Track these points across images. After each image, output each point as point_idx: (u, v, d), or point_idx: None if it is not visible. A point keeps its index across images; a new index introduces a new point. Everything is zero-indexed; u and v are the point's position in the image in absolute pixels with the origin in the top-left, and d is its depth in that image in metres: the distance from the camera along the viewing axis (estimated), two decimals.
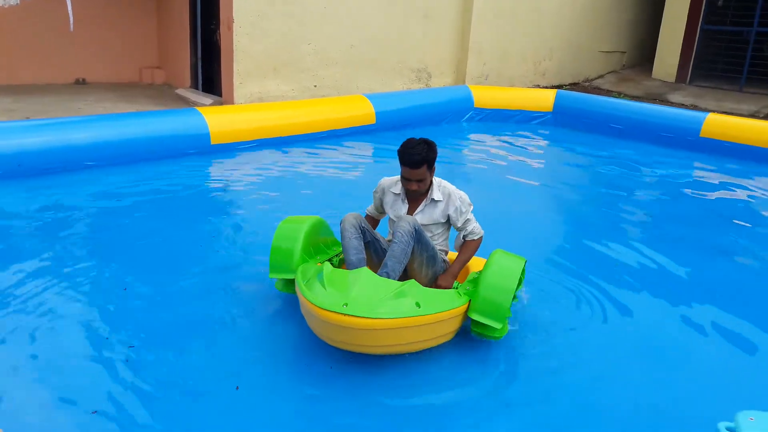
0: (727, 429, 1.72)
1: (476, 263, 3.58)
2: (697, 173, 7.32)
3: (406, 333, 2.76)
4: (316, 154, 6.85)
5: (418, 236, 3.17)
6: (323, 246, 3.48)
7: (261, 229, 4.40)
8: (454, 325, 3.02)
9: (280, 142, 7.00)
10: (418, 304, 2.77)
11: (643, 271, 4.23)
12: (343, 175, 6.19)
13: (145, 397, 2.60)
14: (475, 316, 2.98)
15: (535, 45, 12.50)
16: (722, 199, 6.24)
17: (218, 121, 6.51)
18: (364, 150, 7.37)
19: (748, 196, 6.36)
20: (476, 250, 3.44)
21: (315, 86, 9.52)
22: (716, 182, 6.89)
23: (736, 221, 5.55)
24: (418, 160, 3.19)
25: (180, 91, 9.77)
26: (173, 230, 4.50)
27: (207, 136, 6.37)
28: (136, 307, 3.34)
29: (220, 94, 9.14)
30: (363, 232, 3.27)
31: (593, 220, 5.47)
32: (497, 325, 2.98)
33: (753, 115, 11.13)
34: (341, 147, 7.23)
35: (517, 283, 3.04)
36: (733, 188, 6.62)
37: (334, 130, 7.49)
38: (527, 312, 3.45)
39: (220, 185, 5.71)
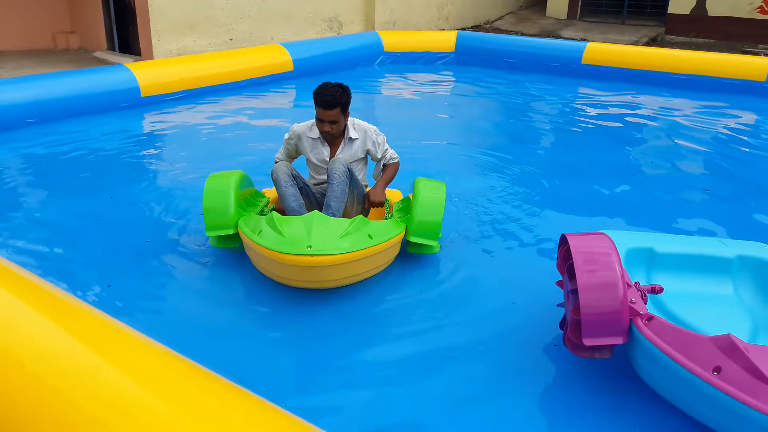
0: None
1: (394, 194, 3.98)
2: (581, 95, 8.41)
3: (364, 263, 3.06)
4: (240, 101, 7.44)
5: (351, 175, 3.47)
6: (251, 198, 3.62)
7: (190, 182, 4.72)
8: (397, 250, 3.40)
9: (206, 92, 7.54)
10: (370, 236, 3.06)
11: (549, 188, 4.91)
12: (264, 121, 6.81)
13: None
14: (413, 239, 3.32)
15: None
16: (604, 116, 7.35)
17: (146, 75, 7.00)
18: (284, 96, 8.02)
19: (627, 114, 7.49)
20: (397, 170, 3.79)
21: (231, 39, 9.99)
22: (597, 101, 8.01)
23: (622, 136, 6.65)
24: (331, 101, 3.41)
25: (98, 54, 10.01)
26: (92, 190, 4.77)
27: (137, 89, 6.86)
28: (70, 270, 3.43)
29: (138, 53, 9.49)
30: (295, 178, 3.53)
31: (497, 144, 6.26)
32: (434, 244, 3.37)
33: (634, 44, 12.38)
34: (264, 94, 7.84)
35: (444, 203, 3.39)
36: (613, 107, 7.76)
37: (256, 78, 8.08)
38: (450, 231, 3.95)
39: (148, 137, 6.17)
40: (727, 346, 2.10)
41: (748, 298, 2.77)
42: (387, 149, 3.76)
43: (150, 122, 6.58)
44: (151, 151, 5.76)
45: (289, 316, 3.08)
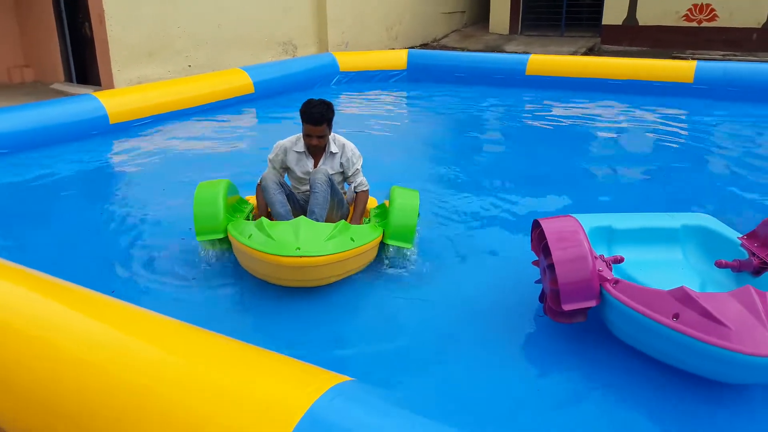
0: None
1: (371, 201, 4.20)
2: (527, 103, 8.97)
3: (347, 263, 3.37)
4: (207, 123, 7.68)
5: (331, 184, 3.74)
6: (237, 205, 3.87)
7: (179, 194, 4.97)
8: (376, 252, 3.68)
9: (174, 117, 7.74)
10: (352, 239, 3.36)
11: (508, 186, 5.45)
12: (233, 141, 7.05)
13: None
14: (391, 242, 3.60)
15: (386, 13, 13.82)
16: (549, 121, 7.88)
17: (114, 102, 7.18)
18: (247, 116, 8.29)
19: (570, 118, 8.05)
20: (367, 199, 4.01)
21: (189, 66, 10.21)
22: (542, 108, 8.57)
23: (568, 138, 7.18)
24: (319, 118, 3.67)
25: (56, 86, 10.07)
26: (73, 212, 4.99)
27: (106, 117, 7.03)
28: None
29: (98, 83, 9.60)
30: (282, 186, 3.81)
31: (453, 152, 6.69)
32: (409, 246, 3.63)
33: (573, 54, 13.14)
34: (228, 115, 8.10)
35: (418, 209, 3.68)
36: (557, 112, 8.32)
37: (220, 101, 8.33)
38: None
39: (121, 162, 6.33)
40: (683, 296, 2.51)
41: (694, 260, 3.24)
42: (359, 171, 3.98)
43: (120, 148, 6.74)
44: (127, 170, 5.94)
45: (274, 310, 3.38)
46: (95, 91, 9.28)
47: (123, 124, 7.23)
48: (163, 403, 1.88)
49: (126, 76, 9.35)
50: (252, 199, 4.17)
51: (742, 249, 3.10)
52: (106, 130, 7.06)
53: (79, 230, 4.50)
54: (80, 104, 7.04)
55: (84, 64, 10.08)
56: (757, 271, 2.99)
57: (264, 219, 3.47)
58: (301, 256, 3.14)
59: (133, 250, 4.10)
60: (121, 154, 6.57)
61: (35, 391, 2.09)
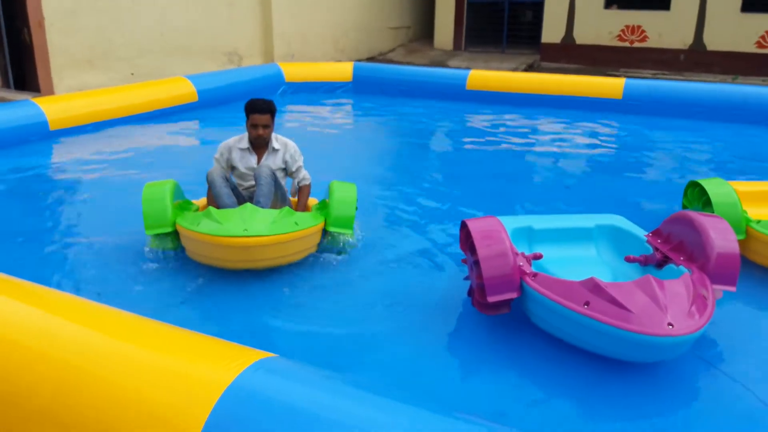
0: None
1: (311, 201, 4.41)
2: (466, 116, 9.29)
3: (291, 245, 3.62)
4: (148, 131, 7.66)
5: (275, 178, 4.02)
6: (183, 205, 4.01)
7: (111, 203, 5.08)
8: (318, 238, 3.92)
9: (115, 124, 7.69)
10: (296, 223, 3.62)
11: (444, 191, 5.75)
12: (175, 149, 7.09)
13: None
14: (332, 229, 3.87)
15: (332, 26, 14.03)
16: (486, 133, 8.21)
17: (54, 109, 7.11)
18: (190, 124, 8.32)
19: (507, 131, 8.40)
20: (309, 192, 4.31)
21: (132, 74, 10.14)
22: (480, 121, 8.90)
23: (507, 147, 7.50)
24: (264, 108, 4.00)
25: None
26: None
27: (45, 123, 6.96)
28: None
29: (37, 90, 9.43)
30: (227, 180, 4.07)
31: (394, 162, 6.97)
32: (349, 233, 3.90)
33: (514, 70, 13.64)
34: (170, 124, 8.10)
35: (356, 199, 3.94)
36: (495, 125, 8.67)
37: (162, 109, 8.33)
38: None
39: (61, 168, 6.28)
40: (592, 286, 2.75)
41: (606, 256, 3.53)
42: (301, 167, 4.27)
43: (60, 153, 6.68)
44: (68, 176, 5.90)
45: (221, 298, 3.56)
46: (34, 97, 9.13)
47: (63, 131, 7.16)
48: (91, 381, 2.00)
49: (66, 83, 9.23)
50: (198, 202, 4.29)
51: (648, 245, 3.40)
52: (45, 137, 6.98)
53: (18, 234, 4.47)
54: (19, 110, 6.96)
55: (23, 71, 9.87)
56: (660, 264, 3.28)
57: (211, 208, 3.71)
58: (248, 236, 3.40)
59: (74, 250, 4.15)
60: (62, 160, 6.51)
61: None
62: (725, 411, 2.67)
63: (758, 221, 3.75)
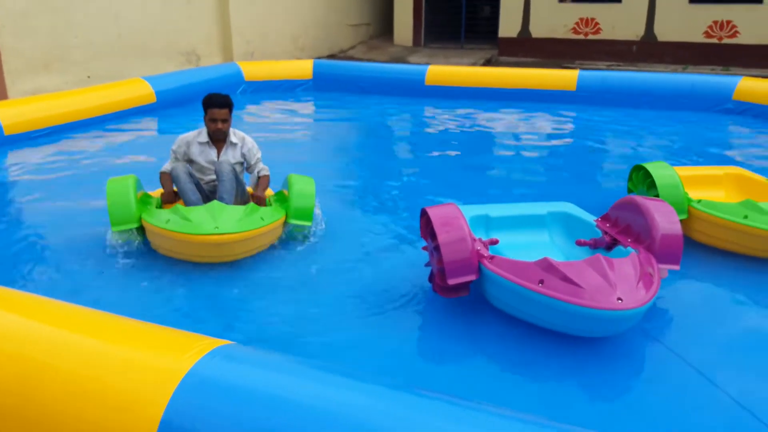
0: None
1: (267, 192, 4.50)
2: (426, 111, 9.42)
3: (258, 239, 3.79)
4: (105, 134, 7.58)
5: (236, 174, 4.16)
6: (144, 198, 4.12)
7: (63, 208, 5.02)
8: (281, 230, 4.09)
9: (72, 127, 7.58)
10: (262, 218, 3.79)
11: (405, 182, 5.86)
12: (133, 150, 7.00)
13: None
14: (293, 221, 4.02)
15: (292, 24, 14.00)
16: (445, 127, 8.34)
17: (8, 113, 6.98)
18: (148, 125, 8.25)
19: (465, 124, 8.54)
20: (268, 181, 4.41)
21: (89, 77, 9.97)
22: (439, 115, 9.04)
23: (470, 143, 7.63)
24: (222, 102, 4.13)
25: None
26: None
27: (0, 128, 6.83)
28: None
29: None
30: (191, 176, 4.19)
31: (356, 156, 7.04)
32: (309, 224, 4.06)
33: (473, 65, 13.81)
34: (128, 125, 8.02)
35: (314, 191, 4.10)
36: (453, 119, 8.81)
37: (120, 111, 8.23)
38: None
39: (17, 172, 6.16)
40: (546, 265, 2.87)
41: (558, 241, 3.69)
42: (259, 159, 4.41)
43: (16, 158, 6.56)
44: (25, 179, 5.82)
45: (186, 291, 3.65)
46: None
47: (19, 135, 7.02)
48: (52, 374, 2.05)
49: (21, 87, 9.04)
50: (155, 194, 4.38)
51: (597, 229, 3.55)
52: (0, 142, 6.84)
53: None
54: None
55: None
56: (609, 247, 3.44)
57: (179, 205, 3.85)
58: (219, 234, 3.56)
59: (33, 250, 4.15)
60: (18, 164, 6.39)
61: None
62: (663, 380, 2.84)
63: (699, 200, 3.93)
